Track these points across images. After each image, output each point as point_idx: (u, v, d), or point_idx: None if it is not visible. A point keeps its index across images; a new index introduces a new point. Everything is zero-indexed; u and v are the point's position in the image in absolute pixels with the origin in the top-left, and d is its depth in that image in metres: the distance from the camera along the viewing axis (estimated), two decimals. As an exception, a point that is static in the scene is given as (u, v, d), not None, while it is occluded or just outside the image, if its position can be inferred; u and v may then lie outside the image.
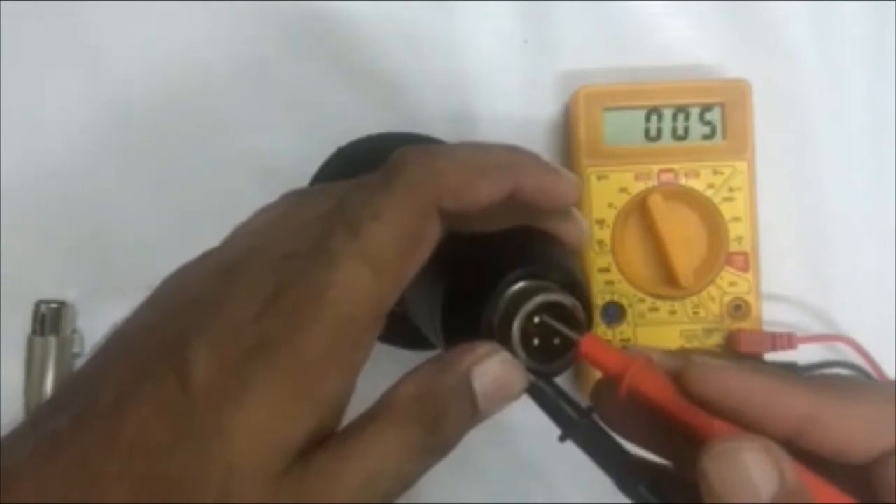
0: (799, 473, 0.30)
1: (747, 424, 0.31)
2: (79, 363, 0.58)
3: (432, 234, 0.33)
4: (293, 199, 0.37)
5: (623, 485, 0.34)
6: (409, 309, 0.40)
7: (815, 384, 0.32)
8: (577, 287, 0.35)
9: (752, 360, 0.33)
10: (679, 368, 0.32)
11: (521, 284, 0.35)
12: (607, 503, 0.38)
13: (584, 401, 0.36)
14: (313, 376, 0.30)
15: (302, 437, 0.30)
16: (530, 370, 0.34)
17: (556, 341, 0.35)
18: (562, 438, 0.35)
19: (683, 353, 0.33)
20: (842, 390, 0.32)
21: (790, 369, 0.56)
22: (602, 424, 0.35)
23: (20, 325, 0.57)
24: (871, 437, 0.31)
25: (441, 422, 0.32)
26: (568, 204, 0.37)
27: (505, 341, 0.34)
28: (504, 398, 0.33)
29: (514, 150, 0.36)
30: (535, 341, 0.34)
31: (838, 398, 0.32)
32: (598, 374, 0.36)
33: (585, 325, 0.35)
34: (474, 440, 0.33)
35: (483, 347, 0.33)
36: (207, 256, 0.34)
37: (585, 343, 0.34)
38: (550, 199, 0.36)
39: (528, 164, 0.36)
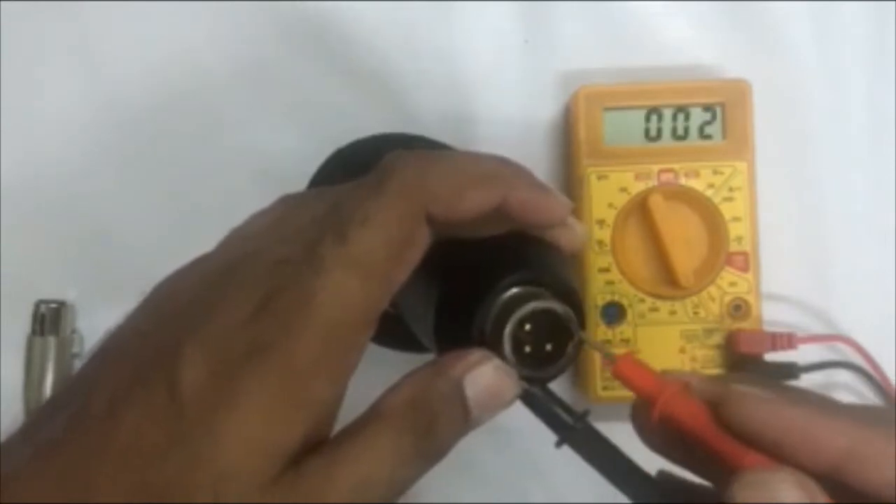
0: None
1: (785, 458, 0.31)
2: (78, 363, 0.58)
3: (422, 239, 0.33)
4: (289, 203, 0.37)
5: (621, 487, 0.34)
6: (403, 311, 0.40)
7: (857, 418, 0.32)
8: (569, 294, 0.35)
9: (796, 388, 0.33)
10: (717, 395, 0.32)
11: (513, 291, 0.35)
12: (607, 503, 0.38)
13: (582, 404, 0.36)
14: (304, 381, 0.30)
15: (294, 442, 0.30)
16: (522, 376, 0.34)
17: (549, 348, 0.35)
18: (558, 444, 0.35)
19: (723, 381, 0.33)
20: (886, 425, 0.32)
21: (790, 370, 0.56)
22: (597, 428, 0.35)
23: (20, 325, 0.58)
24: None
25: (434, 428, 0.32)
26: (554, 224, 0.37)
27: (496, 347, 0.34)
28: (496, 405, 0.33)
29: (507, 164, 0.36)
30: (527, 348, 0.34)
31: (882, 434, 0.31)
32: (595, 379, 0.36)
33: (577, 333, 0.35)
34: (474, 442, 0.34)
35: (475, 354, 0.33)
36: (201, 261, 0.35)
37: (621, 363, 0.34)
38: (537, 216, 0.36)
39: (520, 179, 0.36)
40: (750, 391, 0.32)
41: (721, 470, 0.31)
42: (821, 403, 0.32)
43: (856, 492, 0.31)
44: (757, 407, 0.31)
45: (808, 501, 0.28)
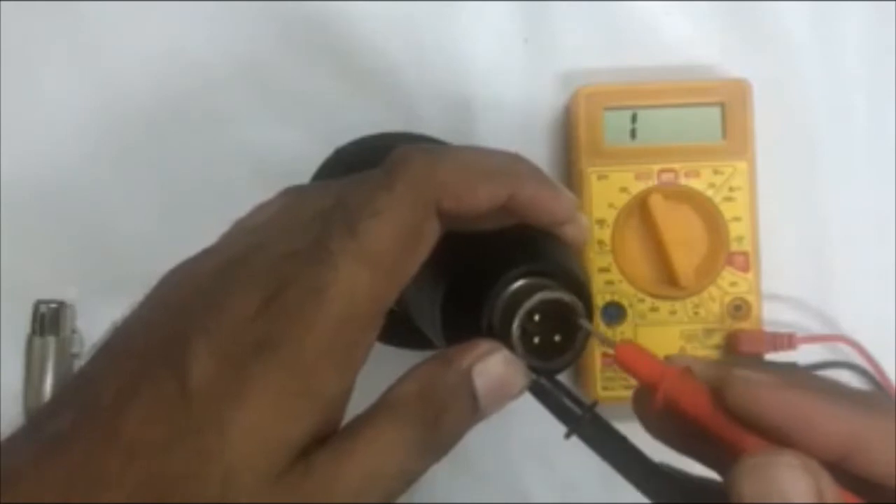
0: (841, 494, 0.29)
1: (790, 444, 0.30)
2: (78, 363, 0.58)
3: (431, 233, 0.33)
4: (292, 196, 0.37)
5: (630, 478, 0.34)
6: (409, 308, 0.40)
7: (864, 404, 0.31)
8: (577, 284, 0.35)
9: (801, 373, 0.33)
10: (720, 380, 0.32)
11: (521, 282, 0.35)
12: (608, 503, 0.38)
13: (586, 397, 0.36)
14: (312, 375, 0.30)
15: (302, 436, 0.30)
16: (531, 368, 0.34)
17: (557, 339, 0.35)
18: (567, 435, 0.35)
19: (725, 365, 0.33)
20: (889, 410, 0.31)
21: (790, 370, 0.56)
22: (605, 419, 0.35)
23: (20, 325, 0.57)
24: None
25: (442, 420, 0.32)
26: (561, 222, 0.37)
27: (505, 339, 0.34)
28: (505, 396, 0.33)
29: (516, 159, 0.37)
30: (536, 339, 0.34)
31: (887, 419, 0.31)
32: (596, 380, 0.36)
33: (584, 322, 0.35)
34: (474, 439, 0.34)
35: (484, 345, 0.33)
36: (207, 253, 0.34)
37: (622, 350, 0.34)
38: (545, 213, 0.36)
39: (529, 175, 0.36)
40: (753, 375, 0.31)
41: (724, 456, 0.31)
42: (825, 388, 0.32)
43: (861, 479, 0.31)
44: (760, 391, 0.31)
45: (812, 485, 0.28)
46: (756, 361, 0.55)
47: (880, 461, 0.30)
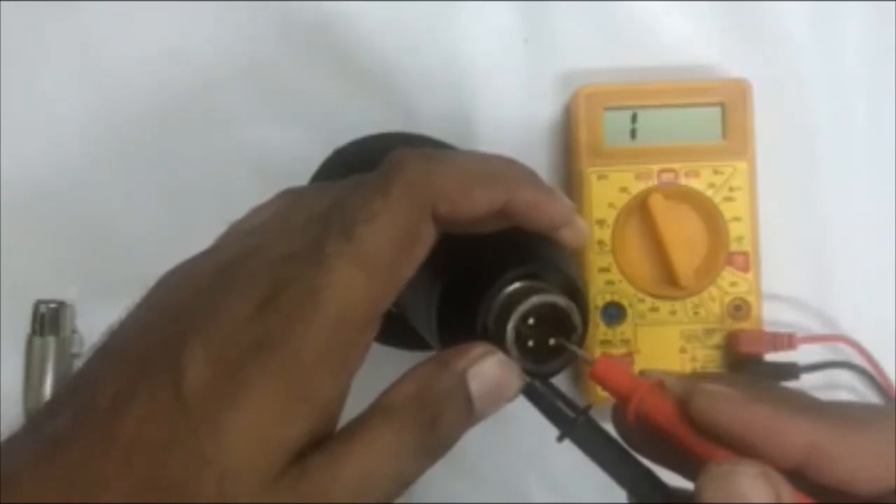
0: (797, 498, 0.30)
1: (752, 453, 0.31)
2: (78, 363, 0.58)
3: (427, 237, 0.33)
4: (289, 199, 0.37)
5: (622, 482, 0.34)
6: (405, 310, 0.40)
7: (822, 414, 0.32)
8: (573, 288, 0.35)
9: (765, 385, 0.34)
10: (688, 393, 0.32)
11: (516, 285, 0.35)
12: (607, 502, 0.38)
13: (582, 401, 0.36)
14: (308, 378, 0.30)
15: (298, 438, 0.30)
16: (526, 371, 0.34)
17: (552, 342, 0.35)
18: (559, 438, 0.35)
19: (694, 379, 0.33)
20: (849, 420, 0.32)
21: (790, 370, 0.56)
22: (597, 423, 0.35)
23: (20, 325, 0.57)
24: (880, 470, 0.31)
25: (438, 423, 0.32)
26: (557, 227, 0.37)
27: (500, 342, 0.34)
28: (500, 399, 0.33)
29: (512, 164, 0.37)
30: (530, 342, 0.34)
31: (845, 428, 0.31)
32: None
33: (580, 327, 0.35)
34: (473, 439, 0.34)
35: (479, 348, 0.33)
36: (204, 256, 0.35)
37: (598, 366, 0.34)
38: (541, 216, 0.36)
39: (525, 180, 0.36)
40: (715, 388, 0.32)
41: (693, 466, 0.32)
42: (786, 400, 0.32)
43: (821, 486, 0.31)
44: (721, 404, 0.32)
45: (771, 491, 0.29)
46: (726, 375, 0.55)
47: (836, 468, 0.31)
